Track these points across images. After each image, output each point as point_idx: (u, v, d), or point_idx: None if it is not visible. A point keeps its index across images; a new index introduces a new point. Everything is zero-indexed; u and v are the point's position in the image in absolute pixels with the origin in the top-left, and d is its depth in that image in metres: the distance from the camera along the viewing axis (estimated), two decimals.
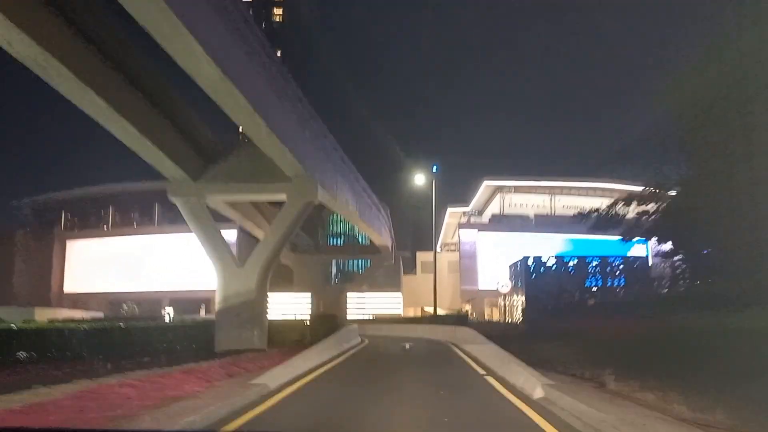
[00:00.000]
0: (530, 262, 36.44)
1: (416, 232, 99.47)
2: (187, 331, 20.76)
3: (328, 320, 25.46)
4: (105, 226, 64.99)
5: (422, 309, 69.20)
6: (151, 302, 59.52)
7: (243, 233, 53.29)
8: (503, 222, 59.70)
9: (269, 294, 22.53)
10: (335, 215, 58.44)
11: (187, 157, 21.35)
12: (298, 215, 22.44)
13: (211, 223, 22.83)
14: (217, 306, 21.70)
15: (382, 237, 43.76)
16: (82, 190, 62.80)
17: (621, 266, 33.37)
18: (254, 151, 21.32)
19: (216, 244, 22.25)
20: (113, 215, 64.90)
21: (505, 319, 42.29)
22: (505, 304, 39.87)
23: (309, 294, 48.98)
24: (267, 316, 22.88)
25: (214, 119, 22.16)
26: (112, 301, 60.76)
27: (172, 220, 56.31)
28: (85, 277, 62.43)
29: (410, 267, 70.10)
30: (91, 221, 65.51)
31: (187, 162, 21.35)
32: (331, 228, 59.19)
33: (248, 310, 21.17)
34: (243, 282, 21.45)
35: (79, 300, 62.00)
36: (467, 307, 62.44)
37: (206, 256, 22.28)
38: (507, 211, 61.48)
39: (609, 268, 33.24)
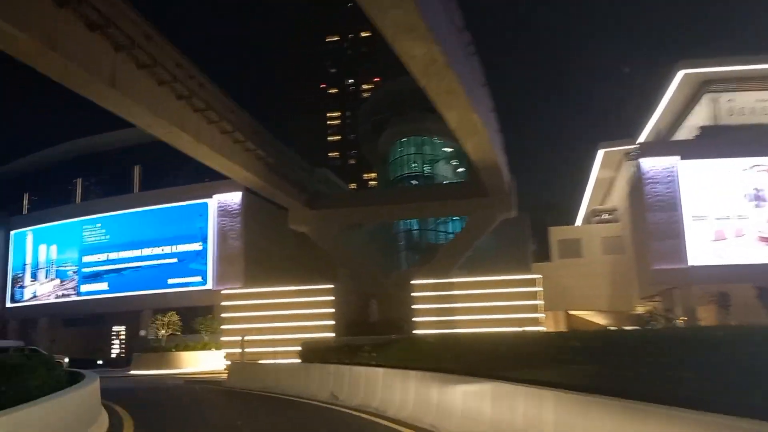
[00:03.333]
0: None
1: (548, 204, 72.05)
2: None
3: None
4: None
5: (567, 314, 41.68)
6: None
7: (252, 195, 29.25)
8: (728, 137, 30.73)
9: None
10: (403, 143, 32.25)
11: None
12: None
13: None
14: None
15: (489, 135, 17.47)
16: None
17: None
18: None
19: None
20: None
21: None
22: None
23: (331, 287, 23.35)
24: None
25: None
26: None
27: None
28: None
29: (539, 257, 44.12)
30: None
31: None
32: (396, 170, 32.90)
33: None
34: None
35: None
36: (651, 307, 33.79)
37: None
38: (726, 122, 32.50)
39: None
